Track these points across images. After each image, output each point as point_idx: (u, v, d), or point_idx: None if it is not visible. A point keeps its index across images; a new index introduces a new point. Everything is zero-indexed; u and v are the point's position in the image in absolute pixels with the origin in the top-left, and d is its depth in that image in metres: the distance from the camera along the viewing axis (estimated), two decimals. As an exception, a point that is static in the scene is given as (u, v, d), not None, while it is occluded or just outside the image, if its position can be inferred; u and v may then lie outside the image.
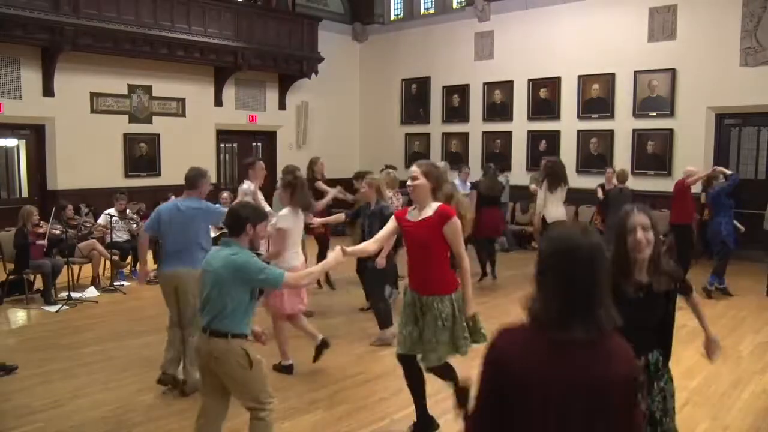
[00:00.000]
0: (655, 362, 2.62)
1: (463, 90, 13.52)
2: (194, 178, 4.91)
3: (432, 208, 3.66)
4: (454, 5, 14.08)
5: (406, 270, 3.87)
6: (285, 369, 5.12)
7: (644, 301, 2.51)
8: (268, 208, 5.86)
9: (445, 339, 3.65)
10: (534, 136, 12.46)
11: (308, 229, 6.31)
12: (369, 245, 3.90)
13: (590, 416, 1.61)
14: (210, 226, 5.15)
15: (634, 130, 11.19)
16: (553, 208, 8.25)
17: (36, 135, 10.65)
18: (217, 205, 5.46)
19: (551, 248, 1.69)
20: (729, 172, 8.20)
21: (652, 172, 10.99)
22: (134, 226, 9.19)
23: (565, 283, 1.63)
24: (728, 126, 10.56)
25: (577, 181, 10.93)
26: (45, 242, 7.65)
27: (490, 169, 9.33)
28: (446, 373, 3.75)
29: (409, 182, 3.73)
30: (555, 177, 8.34)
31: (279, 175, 7.45)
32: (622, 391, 1.64)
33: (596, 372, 1.61)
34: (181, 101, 12.17)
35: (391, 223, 3.85)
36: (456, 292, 3.70)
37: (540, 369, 1.62)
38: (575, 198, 10.59)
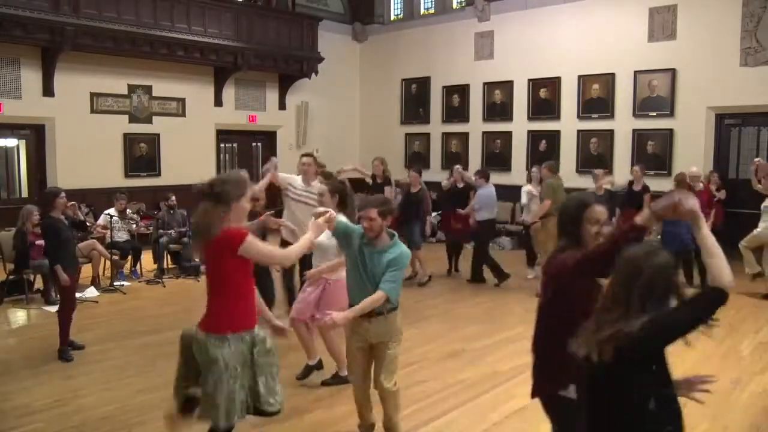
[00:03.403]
0: None
1: (463, 90, 13.51)
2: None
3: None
4: (454, 5, 14.08)
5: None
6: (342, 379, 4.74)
7: None
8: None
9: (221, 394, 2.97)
10: (534, 136, 12.46)
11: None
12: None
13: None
14: None
15: (634, 130, 11.19)
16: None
17: (36, 135, 10.65)
18: None
19: None
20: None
21: (652, 172, 10.95)
22: (134, 226, 9.21)
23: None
24: (728, 126, 10.56)
25: (577, 181, 10.93)
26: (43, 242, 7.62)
27: (458, 170, 9.54)
28: None
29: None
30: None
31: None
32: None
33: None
34: (181, 101, 12.17)
35: None
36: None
37: None
38: (575, 198, 10.58)
